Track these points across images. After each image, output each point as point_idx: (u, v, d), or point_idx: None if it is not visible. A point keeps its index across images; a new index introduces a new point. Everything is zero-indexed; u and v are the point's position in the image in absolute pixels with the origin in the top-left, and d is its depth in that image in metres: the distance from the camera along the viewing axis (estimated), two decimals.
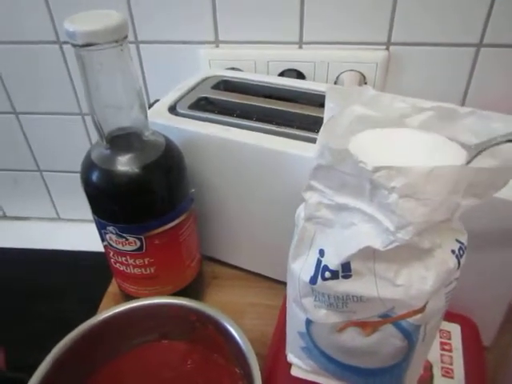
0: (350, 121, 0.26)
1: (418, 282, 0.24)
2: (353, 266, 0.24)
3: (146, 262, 0.37)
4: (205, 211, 0.43)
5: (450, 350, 0.34)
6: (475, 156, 0.24)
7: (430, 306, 0.25)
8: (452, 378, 0.32)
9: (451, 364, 0.33)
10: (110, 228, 0.35)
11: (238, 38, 0.51)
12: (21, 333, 0.50)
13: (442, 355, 0.34)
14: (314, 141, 0.37)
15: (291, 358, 0.32)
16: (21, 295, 0.56)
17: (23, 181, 0.64)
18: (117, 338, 0.36)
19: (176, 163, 0.36)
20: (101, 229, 0.36)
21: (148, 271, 0.38)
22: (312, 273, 0.26)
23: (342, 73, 0.50)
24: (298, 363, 0.32)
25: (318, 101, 0.44)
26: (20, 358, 0.46)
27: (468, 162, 0.24)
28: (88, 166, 0.35)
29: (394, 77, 0.50)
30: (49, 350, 0.48)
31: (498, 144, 0.24)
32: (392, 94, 0.27)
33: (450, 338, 0.35)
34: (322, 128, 0.23)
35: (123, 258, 0.37)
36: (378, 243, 0.23)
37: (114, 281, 0.49)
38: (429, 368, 0.33)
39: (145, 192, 0.34)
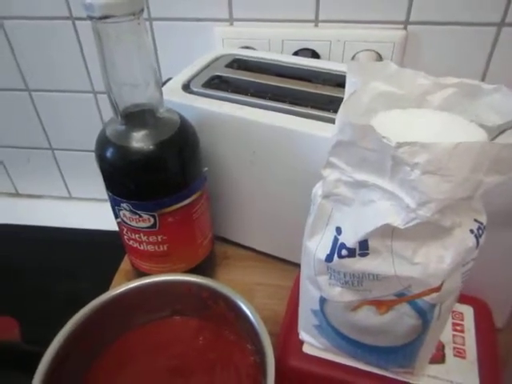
0: (371, 97, 0.25)
1: (436, 261, 0.24)
2: (370, 243, 0.24)
3: (160, 240, 0.37)
4: (217, 191, 0.43)
5: (463, 331, 0.34)
6: (495, 137, 0.23)
7: (447, 285, 0.25)
8: (464, 358, 0.32)
9: (463, 344, 0.33)
10: (124, 205, 0.35)
11: (253, 16, 0.50)
12: (34, 309, 0.51)
13: (454, 336, 0.34)
14: (328, 120, 0.37)
15: (303, 335, 0.33)
16: (33, 272, 0.57)
17: (36, 159, 0.65)
18: (129, 314, 0.36)
19: (190, 141, 0.36)
20: (115, 205, 0.36)
21: (161, 248, 0.38)
22: (328, 251, 0.26)
23: (358, 52, 0.49)
24: (311, 341, 0.32)
25: (333, 80, 0.44)
26: (33, 332, 0.47)
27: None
28: (102, 142, 0.34)
29: (412, 57, 0.49)
30: (62, 325, 0.49)
31: None
32: (414, 70, 0.26)
33: (462, 319, 0.35)
34: (342, 103, 0.23)
35: (137, 235, 0.37)
36: (397, 221, 0.22)
37: (126, 258, 0.49)
38: (441, 348, 0.33)
39: (159, 169, 0.34)
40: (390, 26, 0.48)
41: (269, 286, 0.44)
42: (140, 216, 0.35)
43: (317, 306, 0.29)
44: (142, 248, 0.38)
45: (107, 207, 0.66)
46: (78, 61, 0.55)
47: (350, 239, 0.24)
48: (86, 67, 0.56)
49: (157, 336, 0.37)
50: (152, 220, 0.36)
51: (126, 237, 0.39)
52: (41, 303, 0.52)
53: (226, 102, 0.40)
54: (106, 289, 0.51)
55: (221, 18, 0.51)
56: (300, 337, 0.33)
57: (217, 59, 0.47)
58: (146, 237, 0.37)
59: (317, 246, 0.27)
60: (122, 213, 0.36)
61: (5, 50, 0.55)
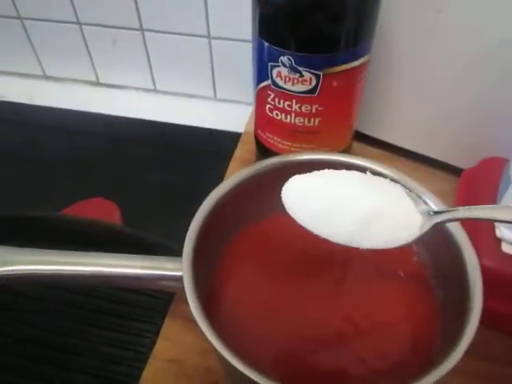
0: None
1: None
2: None
3: (314, 111, 0.31)
4: (377, 66, 0.35)
5: None
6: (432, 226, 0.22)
7: None
8: None
9: None
10: (285, 58, 0.28)
11: None
12: (131, 196, 0.47)
13: None
14: None
15: (505, 232, 0.27)
16: (120, 161, 0.53)
17: (122, 41, 0.58)
18: (269, 195, 0.31)
19: None
20: (269, 61, 0.30)
21: (311, 123, 0.32)
22: None
23: None
24: None
25: None
26: (133, 217, 0.44)
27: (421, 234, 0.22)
28: None
29: None
30: (157, 213, 0.45)
31: (459, 220, 0.23)
32: None
33: None
34: None
35: (287, 103, 0.31)
36: None
37: (239, 147, 0.44)
38: None
39: (336, 9, 0.27)
40: None
41: None
42: (300, 75, 0.29)
43: None
44: (287, 121, 0.32)
45: (193, 103, 0.61)
46: None
47: None
48: None
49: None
50: (314, 81, 0.29)
51: (269, 106, 0.32)
52: (137, 191, 0.48)
53: None
54: (201, 181, 0.47)
55: None
56: (498, 234, 0.27)
57: None
58: (298, 105, 0.31)
59: None
60: (276, 71, 0.30)
61: None
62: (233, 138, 0.49)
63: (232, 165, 0.42)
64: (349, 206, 0.22)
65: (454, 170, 0.38)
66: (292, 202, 0.24)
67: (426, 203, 0.26)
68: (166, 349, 0.29)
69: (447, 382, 0.20)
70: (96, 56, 0.61)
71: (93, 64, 0.62)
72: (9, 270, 0.26)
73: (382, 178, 0.24)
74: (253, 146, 0.41)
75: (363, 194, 0.22)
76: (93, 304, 0.36)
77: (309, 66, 0.28)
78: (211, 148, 0.54)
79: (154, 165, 0.51)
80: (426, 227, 0.22)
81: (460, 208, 0.22)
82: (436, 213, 0.23)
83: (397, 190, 0.23)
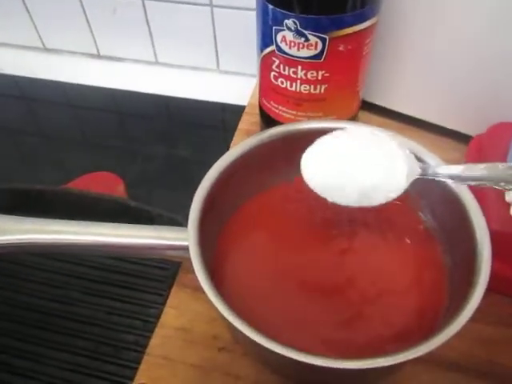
0: None
1: None
2: None
3: (320, 77, 0.30)
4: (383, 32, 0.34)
5: None
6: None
7: None
8: None
9: None
10: (290, 21, 0.27)
11: None
12: (135, 169, 0.46)
13: None
14: None
15: None
16: (123, 136, 0.52)
17: (122, 11, 0.57)
18: (274, 166, 0.30)
19: None
20: (273, 25, 0.29)
21: (317, 90, 0.31)
22: None
23: None
24: None
25: None
26: (137, 190, 0.44)
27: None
28: None
29: None
30: (163, 187, 0.45)
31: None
32: None
33: None
34: None
35: (292, 70, 0.30)
36: None
37: (243, 118, 0.43)
38: None
39: None
40: None
41: None
42: (306, 39, 0.28)
43: None
44: (292, 89, 0.31)
45: (196, 75, 0.60)
46: None
47: None
48: None
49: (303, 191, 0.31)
50: (320, 46, 0.28)
51: (274, 74, 0.31)
52: (141, 164, 0.47)
53: None
54: (205, 155, 0.47)
55: None
56: (507, 199, 0.27)
57: None
58: (303, 72, 0.30)
59: None
60: (280, 35, 0.29)
61: None
62: (237, 111, 0.48)
63: (236, 137, 0.41)
64: (356, 175, 0.24)
65: (463, 138, 0.37)
66: (311, 173, 0.25)
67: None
68: (173, 317, 0.29)
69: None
70: (96, 27, 0.59)
71: (93, 35, 0.60)
72: (6, 239, 0.26)
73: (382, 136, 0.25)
74: (257, 118, 0.40)
75: (367, 160, 0.24)
76: (100, 276, 0.37)
77: (314, 29, 0.27)
78: (214, 121, 0.53)
79: (158, 138, 0.51)
80: (412, 178, 0.23)
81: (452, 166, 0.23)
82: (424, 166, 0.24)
83: (392, 145, 0.24)
